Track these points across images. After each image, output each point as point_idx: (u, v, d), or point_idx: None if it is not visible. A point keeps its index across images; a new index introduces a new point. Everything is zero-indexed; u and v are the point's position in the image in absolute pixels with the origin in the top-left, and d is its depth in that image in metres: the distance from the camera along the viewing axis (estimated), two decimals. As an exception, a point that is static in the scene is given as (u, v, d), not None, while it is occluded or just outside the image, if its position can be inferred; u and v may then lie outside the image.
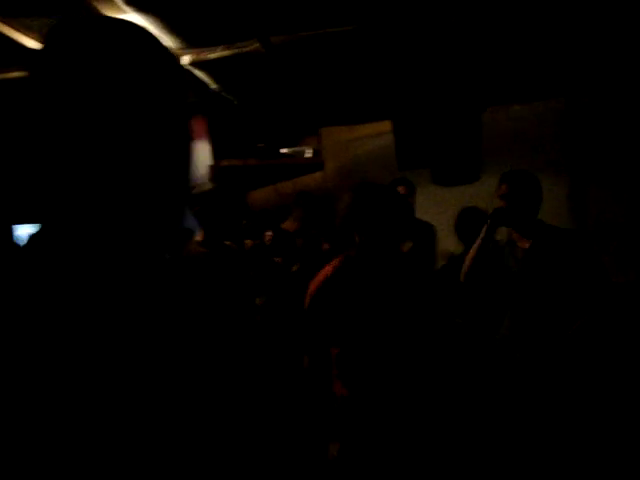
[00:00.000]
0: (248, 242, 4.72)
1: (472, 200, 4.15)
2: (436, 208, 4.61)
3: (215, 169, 5.63)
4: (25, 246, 0.78)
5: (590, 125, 4.83)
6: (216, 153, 5.75)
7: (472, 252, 3.14)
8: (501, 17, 3.50)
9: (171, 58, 0.82)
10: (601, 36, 3.80)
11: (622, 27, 3.68)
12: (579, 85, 4.70)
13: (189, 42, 3.70)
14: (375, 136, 5.56)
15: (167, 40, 3.55)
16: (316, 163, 6.09)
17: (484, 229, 3.08)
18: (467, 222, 3.78)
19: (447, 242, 4.52)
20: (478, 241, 3.11)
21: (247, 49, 3.80)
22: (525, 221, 3.02)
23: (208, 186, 3.39)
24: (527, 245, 3.02)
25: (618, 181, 4.74)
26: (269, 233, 4.71)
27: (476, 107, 4.76)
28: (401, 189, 3.98)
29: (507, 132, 5.00)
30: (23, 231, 4.62)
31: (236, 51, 3.85)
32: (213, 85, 4.57)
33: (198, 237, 3.30)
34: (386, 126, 5.34)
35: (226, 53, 3.89)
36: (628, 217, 4.50)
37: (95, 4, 3.05)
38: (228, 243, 3.44)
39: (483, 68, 4.23)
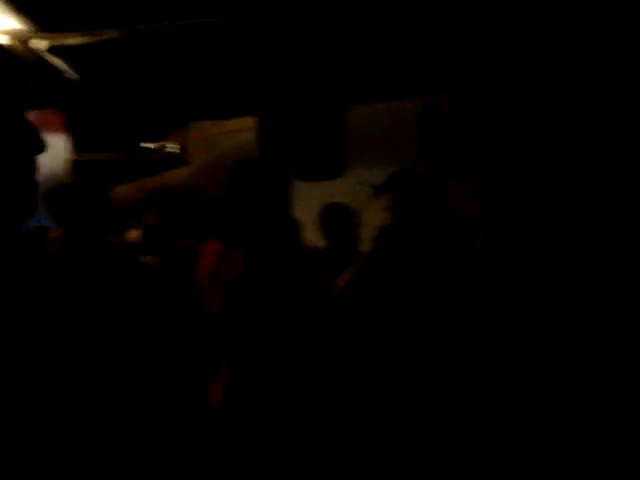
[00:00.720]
0: (111, 239, 4.55)
1: (335, 196, 4.26)
2: (301, 203, 4.69)
3: (75, 164, 5.38)
4: None
5: (446, 123, 5.08)
6: (77, 147, 5.49)
7: (348, 275, 2.69)
8: (362, 16, 3.62)
9: None
10: (459, 38, 3.98)
11: (479, 28, 3.81)
12: (436, 85, 4.93)
13: (43, 26, 3.51)
14: (241, 131, 5.56)
15: (17, 22, 3.35)
16: (181, 158, 5.97)
17: (364, 253, 2.69)
18: (329, 218, 3.92)
19: (312, 237, 4.61)
20: (358, 263, 2.69)
21: (106, 36, 3.67)
22: (418, 233, 2.63)
23: (62, 181, 3.25)
24: (414, 258, 2.64)
25: (473, 177, 5.03)
26: (135, 230, 4.58)
27: (337, 104, 4.88)
28: None
29: (366, 130, 5.16)
30: None
31: (95, 38, 3.71)
32: (73, 75, 4.35)
33: (55, 234, 3.16)
34: (252, 121, 5.36)
35: (84, 40, 3.73)
36: (483, 210, 4.77)
37: None
38: (89, 240, 3.32)
39: (345, 66, 4.35)
